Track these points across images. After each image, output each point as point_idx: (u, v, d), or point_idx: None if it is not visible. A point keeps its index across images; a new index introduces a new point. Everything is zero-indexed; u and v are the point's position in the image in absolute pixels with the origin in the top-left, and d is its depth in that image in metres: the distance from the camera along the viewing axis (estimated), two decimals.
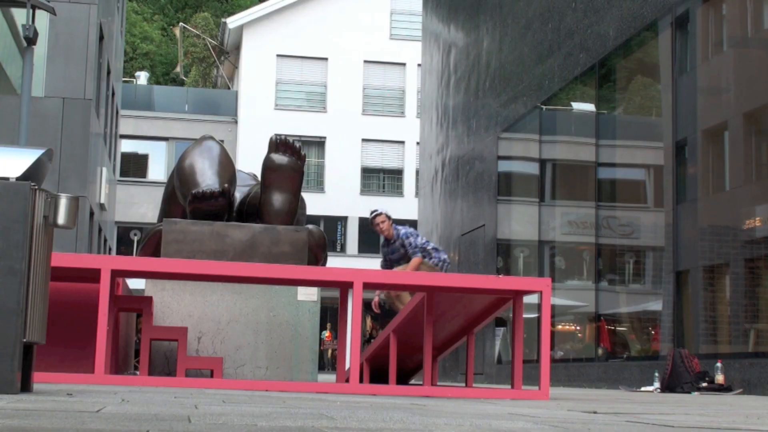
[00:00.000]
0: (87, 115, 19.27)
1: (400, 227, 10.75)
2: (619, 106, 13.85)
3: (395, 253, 10.71)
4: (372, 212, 10.73)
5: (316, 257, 7.64)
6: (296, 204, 7.35)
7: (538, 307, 6.67)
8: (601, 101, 14.06)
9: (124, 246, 33.63)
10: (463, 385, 10.43)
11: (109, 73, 23.82)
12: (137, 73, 41.94)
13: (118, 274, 6.38)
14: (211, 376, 7.05)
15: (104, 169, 22.98)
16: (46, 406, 3.18)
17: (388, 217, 10.60)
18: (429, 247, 10.62)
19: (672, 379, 10.18)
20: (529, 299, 7.37)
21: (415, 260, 10.48)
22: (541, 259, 15.90)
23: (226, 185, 7.22)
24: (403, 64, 36.58)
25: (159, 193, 31.74)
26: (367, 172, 36.15)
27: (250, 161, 33.45)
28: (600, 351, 13.27)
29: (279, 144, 7.27)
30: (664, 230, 11.87)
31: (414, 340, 8.15)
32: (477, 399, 5.92)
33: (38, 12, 12.18)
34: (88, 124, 19.31)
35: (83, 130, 19.17)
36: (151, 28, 51.90)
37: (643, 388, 10.95)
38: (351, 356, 6.67)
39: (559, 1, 15.22)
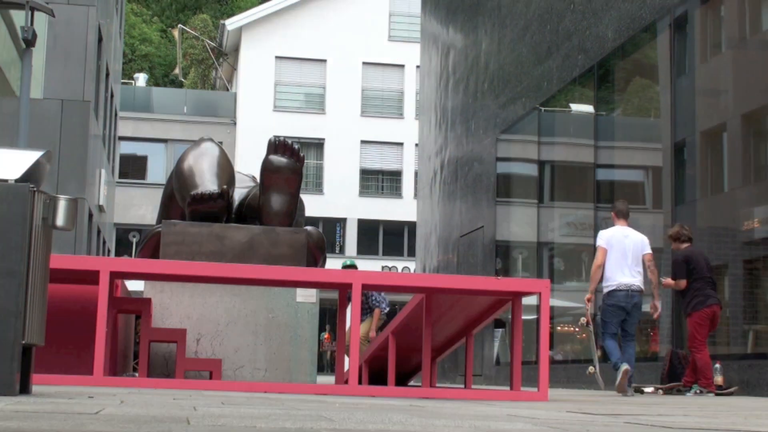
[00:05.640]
0: (86, 117, 19.26)
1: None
2: (618, 108, 13.86)
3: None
4: (349, 263, 13.21)
5: (315, 259, 7.64)
6: (295, 205, 7.35)
7: (537, 309, 6.68)
8: (600, 103, 14.06)
9: (123, 248, 33.61)
10: (462, 386, 10.43)
11: (107, 74, 23.82)
12: (136, 75, 41.92)
13: (116, 276, 6.38)
14: (210, 377, 7.04)
15: (103, 171, 22.97)
16: (45, 408, 3.18)
17: (356, 269, 12.46)
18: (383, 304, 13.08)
19: (670, 380, 10.18)
20: (528, 300, 7.37)
21: (378, 312, 12.85)
22: (539, 261, 15.91)
23: (225, 187, 7.22)
24: (402, 66, 36.56)
25: (158, 195, 31.68)
26: (366, 174, 36.13)
27: (248, 163, 33.43)
28: (599, 352, 13.26)
29: (278, 146, 7.27)
30: (663, 231, 11.87)
31: (413, 341, 8.15)
32: (476, 400, 5.93)
33: (37, 14, 12.17)
34: (87, 126, 19.30)
35: (82, 132, 19.16)
36: (150, 30, 51.89)
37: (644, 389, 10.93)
38: (350, 358, 6.67)
39: (558, 2, 15.23)
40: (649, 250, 9.39)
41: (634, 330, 9.38)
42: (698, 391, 9.22)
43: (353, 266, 12.85)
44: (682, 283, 9.36)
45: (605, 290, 9.29)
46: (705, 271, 9.38)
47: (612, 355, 9.01)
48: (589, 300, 9.69)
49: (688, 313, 9.43)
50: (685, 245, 9.49)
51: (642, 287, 9.26)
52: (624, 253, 9.26)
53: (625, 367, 8.71)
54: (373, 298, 12.78)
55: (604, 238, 9.45)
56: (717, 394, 9.27)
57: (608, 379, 10.74)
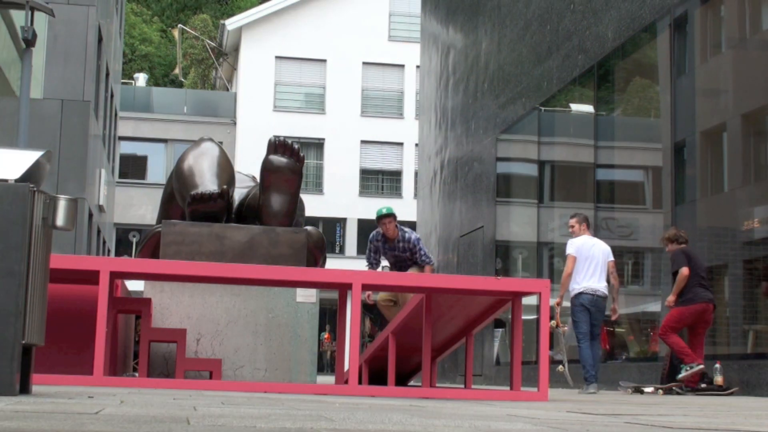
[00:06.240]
0: (86, 117, 19.27)
1: (406, 229, 10.79)
2: (618, 108, 13.86)
3: (394, 251, 10.75)
4: (386, 212, 10.65)
5: (315, 259, 7.64)
6: (295, 205, 7.35)
7: (537, 309, 6.68)
8: (600, 103, 14.06)
9: (123, 248, 33.62)
10: (462, 386, 10.43)
11: (107, 74, 23.82)
12: (136, 75, 41.93)
13: (116, 276, 6.38)
14: (210, 377, 7.05)
15: (103, 171, 22.97)
16: (45, 408, 3.18)
17: (395, 218, 10.70)
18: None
19: (670, 380, 10.18)
20: (528, 300, 7.38)
21: (430, 269, 10.71)
22: (539, 261, 15.91)
23: (225, 187, 7.22)
24: (402, 66, 36.57)
25: (158, 195, 31.67)
26: (366, 174, 36.13)
27: (248, 163, 33.44)
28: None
29: (278, 146, 7.27)
30: (663, 231, 11.88)
31: (413, 341, 8.16)
32: (476, 400, 5.93)
33: (37, 14, 12.18)
34: (87, 126, 19.30)
35: (82, 132, 19.17)
36: (150, 30, 51.90)
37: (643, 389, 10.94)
38: (350, 358, 6.68)
39: (558, 2, 15.23)
40: (612, 258, 10.22)
41: (599, 331, 10.18)
42: (688, 369, 9.37)
43: (390, 214, 10.61)
44: (685, 270, 9.63)
45: (574, 293, 10.04)
46: (700, 269, 9.73)
47: (585, 368, 9.80)
48: (558, 304, 10.32)
49: (675, 305, 9.70)
50: (680, 247, 9.80)
51: (606, 293, 10.08)
52: (591, 261, 10.06)
53: (593, 390, 9.61)
54: (423, 252, 10.65)
55: (574, 246, 10.19)
56: (717, 393, 9.29)
57: (578, 378, 10.99)
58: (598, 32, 13.76)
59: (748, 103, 10.80)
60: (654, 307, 12.33)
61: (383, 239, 10.74)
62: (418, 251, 10.60)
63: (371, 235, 10.87)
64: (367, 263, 10.99)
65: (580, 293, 9.99)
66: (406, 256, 10.71)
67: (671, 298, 9.82)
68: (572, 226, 10.45)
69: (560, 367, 10.22)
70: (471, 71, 19.56)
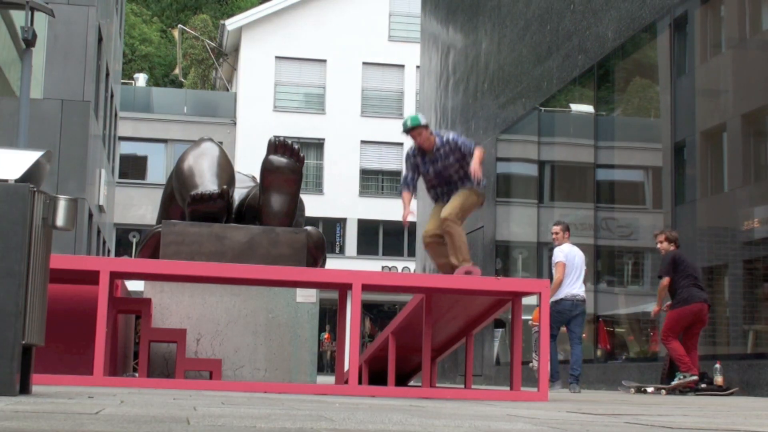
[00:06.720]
0: (86, 117, 19.26)
1: (442, 133, 8.27)
2: (618, 108, 13.86)
3: (436, 162, 8.19)
4: (411, 124, 7.97)
5: (315, 259, 7.64)
6: (295, 206, 7.35)
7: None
8: (600, 103, 14.06)
9: (123, 248, 33.61)
10: (462, 386, 10.44)
11: (107, 75, 23.81)
12: (136, 75, 41.92)
13: (116, 276, 6.38)
14: (210, 377, 7.05)
15: (103, 171, 22.96)
16: (45, 408, 3.18)
17: (426, 126, 8.10)
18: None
19: (669, 380, 10.19)
20: (528, 300, 7.38)
21: (479, 151, 8.00)
22: (539, 261, 15.91)
23: (225, 187, 7.22)
24: (402, 66, 36.56)
25: (158, 195, 31.67)
26: (366, 174, 36.13)
27: (248, 163, 33.42)
28: (599, 352, 13.27)
29: (278, 146, 7.27)
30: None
31: (413, 341, 8.15)
32: (476, 400, 5.93)
33: (37, 14, 12.18)
34: (87, 126, 19.29)
35: (82, 132, 19.16)
36: (150, 30, 51.89)
37: (646, 389, 10.95)
38: (350, 358, 6.68)
39: (558, 2, 15.23)
40: (585, 267, 10.82)
41: (581, 331, 10.64)
42: (681, 378, 9.51)
43: (417, 125, 7.84)
44: (666, 280, 9.99)
45: (554, 298, 10.43)
46: (693, 271, 10.02)
47: (552, 364, 10.29)
48: None
49: (671, 308, 9.93)
50: (672, 247, 10.07)
51: (585, 297, 10.61)
52: (574, 269, 10.60)
53: (558, 388, 10.22)
54: (465, 143, 8.01)
55: (563, 253, 10.61)
56: (717, 393, 9.29)
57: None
58: (598, 32, 13.76)
59: (748, 103, 10.80)
60: (654, 306, 12.33)
61: (421, 153, 8.23)
62: (462, 145, 8.03)
63: (407, 152, 8.39)
64: (402, 186, 8.34)
65: (561, 299, 10.46)
66: (451, 165, 8.11)
67: (656, 308, 10.19)
68: (556, 233, 10.82)
69: (532, 364, 10.54)
70: (471, 71, 19.56)
